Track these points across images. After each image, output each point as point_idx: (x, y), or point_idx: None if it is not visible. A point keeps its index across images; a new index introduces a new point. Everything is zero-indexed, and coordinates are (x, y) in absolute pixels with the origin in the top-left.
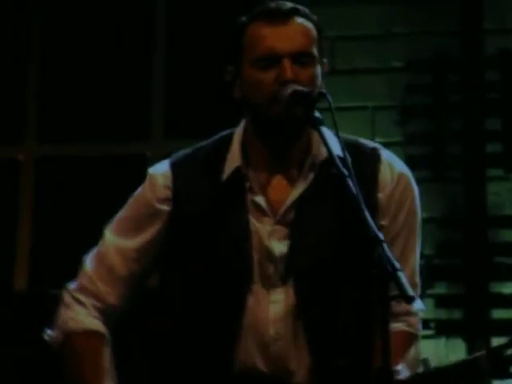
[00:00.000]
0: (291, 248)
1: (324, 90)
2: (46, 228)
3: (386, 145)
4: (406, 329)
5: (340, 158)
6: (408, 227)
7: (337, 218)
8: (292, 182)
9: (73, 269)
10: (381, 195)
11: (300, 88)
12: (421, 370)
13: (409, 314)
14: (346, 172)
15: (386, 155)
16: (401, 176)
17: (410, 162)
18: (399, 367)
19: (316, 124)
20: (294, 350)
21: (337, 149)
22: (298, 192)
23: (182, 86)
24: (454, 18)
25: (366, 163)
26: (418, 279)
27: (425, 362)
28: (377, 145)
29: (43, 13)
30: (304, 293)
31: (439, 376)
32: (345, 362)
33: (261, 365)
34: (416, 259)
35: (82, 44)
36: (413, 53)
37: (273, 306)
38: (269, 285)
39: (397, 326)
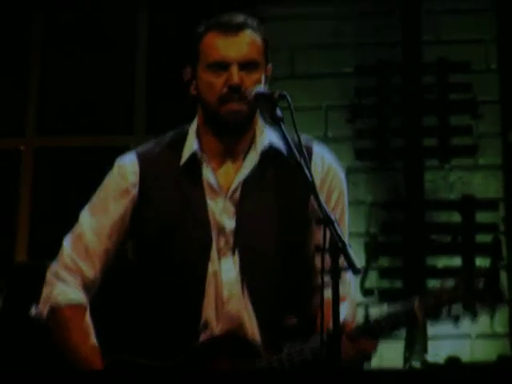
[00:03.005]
0: (238, 224)
1: (284, 92)
2: (43, 209)
3: (337, 139)
4: (341, 294)
5: (293, 148)
6: (340, 209)
7: (279, 197)
8: (239, 166)
9: None
10: None
11: (263, 90)
12: (362, 320)
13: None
14: (303, 162)
15: (318, 148)
16: (330, 166)
17: (359, 154)
18: (344, 318)
19: (277, 121)
20: (245, 309)
21: (275, 140)
22: (244, 175)
23: (161, 87)
24: (396, 30)
25: None
26: None
27: (366, 313)
28: (310, 139)
29: (44, 16)
30: (248, 262)
31: (379, 322)
32: (292, 320)
33: (219, 321)
34: (346, 234)
35: (76, 49)
36: (361, 60)
37: (225, 272)
38: (221, 254)
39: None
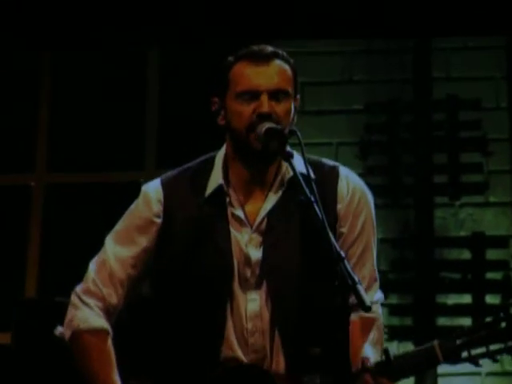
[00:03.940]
0: (265, 254)
1: (294, 128)
2: (52, 245)
3: None
4: (370, 315)
5: (306, 177)
6: (366, 232)
7: (304, 228)
8: (265, 197)
9: (75, 279)
10: (339, 206)
11: (274, 126)
12: (382, 358)
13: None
14: (312, 198)
15: (344, 171)
16: (356, 189)
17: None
18: (367, 355)
19: (287, 157)
20: (270, 341)
21: (301, 168)
22: (270, 205)
23: (171, 124)
24: (406, 67)
25: (327, 179)
26: (376, 273)
27: (386, 351)
28: (336, 163)
29: (53, 54)
30: (276, 292)
31: (400, 363)
32: (315, 351)
33: (242, 355)
34: (374, 257)
35: (86, 85)
36: (371, 97)
37: (250, 304)
38: (246, 286)
39: (361, 313)
